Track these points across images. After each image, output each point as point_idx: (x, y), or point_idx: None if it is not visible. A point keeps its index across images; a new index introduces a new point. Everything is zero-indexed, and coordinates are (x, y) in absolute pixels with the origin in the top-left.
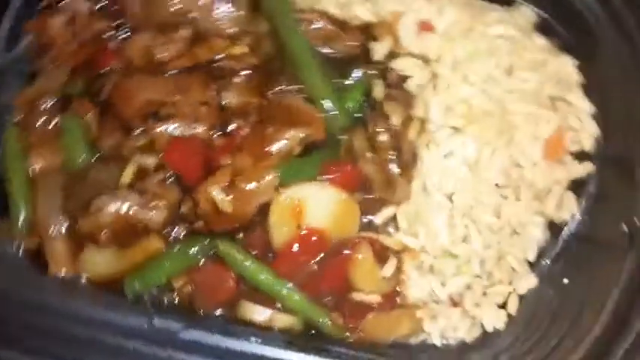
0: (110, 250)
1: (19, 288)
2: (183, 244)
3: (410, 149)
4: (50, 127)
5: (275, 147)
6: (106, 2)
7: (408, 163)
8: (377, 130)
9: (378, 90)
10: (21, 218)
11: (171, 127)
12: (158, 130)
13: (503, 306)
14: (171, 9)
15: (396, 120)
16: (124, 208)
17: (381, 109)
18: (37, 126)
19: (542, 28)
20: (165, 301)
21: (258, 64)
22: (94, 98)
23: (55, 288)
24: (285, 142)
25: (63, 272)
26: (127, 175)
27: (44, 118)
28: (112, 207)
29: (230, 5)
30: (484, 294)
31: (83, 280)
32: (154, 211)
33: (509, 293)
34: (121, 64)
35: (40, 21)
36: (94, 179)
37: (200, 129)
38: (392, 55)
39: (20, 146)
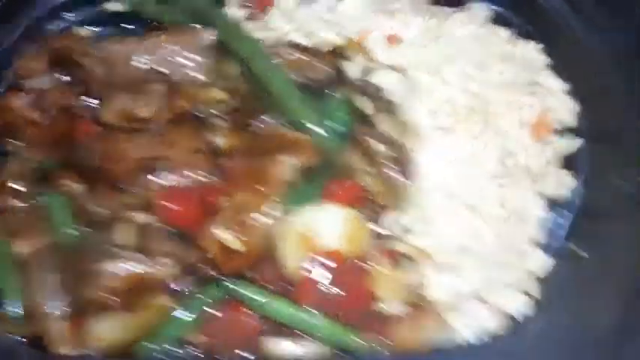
0: (117, 318)
1: None
2: (193, 295)
3: (406, 155)
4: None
5: (272, 176)
6: (70, 75)
7: (408, 169)
8: (372, 142)
9: (364, 105)
10: (15, 307)
11: (168, 179)
12: (154, 183)
13: (527, 293)
14: (138, 68)
15: (388, 130)
16: (131, 268)
17: (371, 122)
18: (13, 210)
19: (498, 21)
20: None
21: (238, 106)
22: (77, 168)
23: None
24: (280, 169)
25: (68, 351)
26: (129, 236)
27: (17, 201)
28: (117, 269)
29: (197, 55)
30: (503, 283)
31: (92, 354)
32: (165, 266)
33: (528, 277)
34: (100, 130)
35: (2, 103)
36: (91, 248)
37: (197, 176)
38: (367, 71)
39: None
